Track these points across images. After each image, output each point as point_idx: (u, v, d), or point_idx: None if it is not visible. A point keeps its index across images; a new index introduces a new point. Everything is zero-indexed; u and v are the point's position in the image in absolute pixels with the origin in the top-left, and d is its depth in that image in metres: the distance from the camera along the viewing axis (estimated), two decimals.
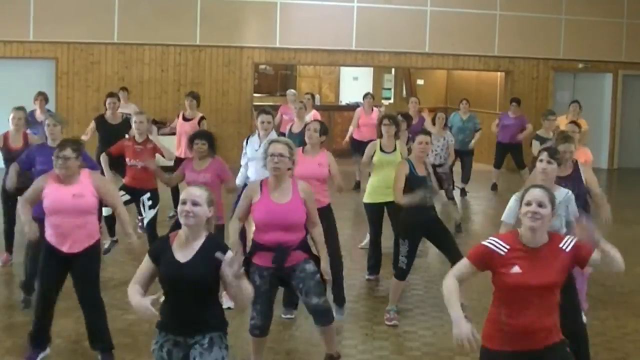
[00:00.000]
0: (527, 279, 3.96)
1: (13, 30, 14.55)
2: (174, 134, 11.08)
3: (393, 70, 19.74)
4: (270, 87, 19.92)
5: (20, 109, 8.29)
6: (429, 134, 7.18)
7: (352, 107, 16.42)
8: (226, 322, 4.22)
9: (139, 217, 9.67)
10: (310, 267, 5.40)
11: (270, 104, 16.76)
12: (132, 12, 15.00)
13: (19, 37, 14.64)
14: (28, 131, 8.30)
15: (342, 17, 15.95)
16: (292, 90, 14.16)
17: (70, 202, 5.59)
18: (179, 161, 10.53)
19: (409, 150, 7.86)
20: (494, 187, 14.03)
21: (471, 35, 16.46)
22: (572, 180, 6.29)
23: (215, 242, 4.15)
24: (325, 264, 5.49)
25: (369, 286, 8.09)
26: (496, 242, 4.06)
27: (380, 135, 8.11)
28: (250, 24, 15.65)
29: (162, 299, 4.17)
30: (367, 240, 9.38)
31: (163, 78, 15.41)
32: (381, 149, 7.99)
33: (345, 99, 19.92)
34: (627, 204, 13.25)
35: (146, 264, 4.18)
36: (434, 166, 8.05)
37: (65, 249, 5.65)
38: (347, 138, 13.40)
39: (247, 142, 8.02)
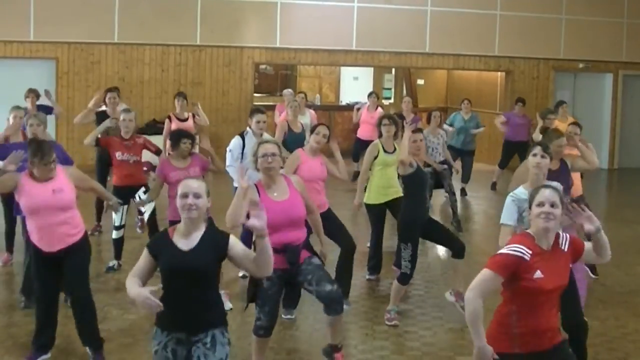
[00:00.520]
0: (546, 284, 3.96)
1: (13, 30, 14.55)
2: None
3: (393, 70, 19.74)
4: (270, 87, 19.93)
5: (19, 108, 8.31)
6: (421, 131, 7.17)
7: (352, 107, 16.42)
8: (225, 318, 4.23)
9: (138, 217, 9.67)
10: (316, 260, 5.49)
11: (271, 103, 16.78)
12: (133, 12, 15.00)
13: (20, 37, 14.64)
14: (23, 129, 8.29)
15: (343, 17, 15.94)
16: (289, 90, 14.17)
17: (51, 198, 5.55)
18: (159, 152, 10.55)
19: None
20: (494, 186, 14.01)
21: (471, 35, 16.46)
22: (560, 175, 6.36)
23: (216, 230, 4.18)
24: (324, 249, 5.73)
25: (369, 286, 8.09)
26: (521, 248, 3.98)
27: (380, 136, 8.11)
28: (250, 24, 15.65)
29: (161, 293, 4.13)
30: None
31: (163, 78, 15.41)
32: (384, 150, 7.99)
33: (346, 99, 19.93)
34: (627, 203, 13.26)
35: (145, 259, 4.17)
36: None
37: (51, 249, 5.63)
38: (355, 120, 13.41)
39: (243, 142, 7.95)
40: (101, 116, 10.46)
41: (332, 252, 6.65)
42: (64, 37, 14.80)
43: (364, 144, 12.56)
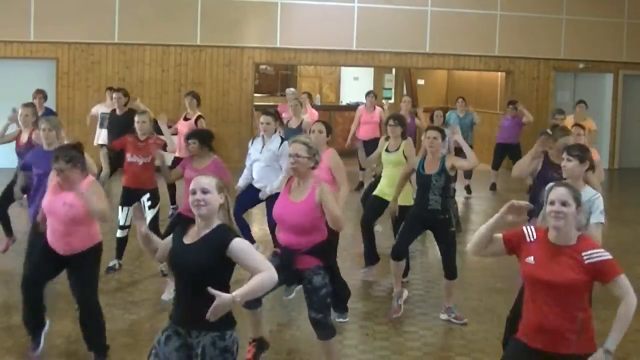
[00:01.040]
0: (534, 271, 3.98)
1: (14, 30, 14.56)
2: (175, 134, 11.06)
3: (394, 70, 19.74)
4: (270, 87, 19.94)
5: (29, 105, 8.36)
6: (436, 129, 7.11)
7: (352, 107, 16.44)
8: (228, 321, 4.06)
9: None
10: (318, 280, 5.31)
11: (271, 104, 16.80)
12: (133, 12, 15.01)
13: (20, 37, 14.65)
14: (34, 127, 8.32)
15: (343, 17, 15.95)
16: (292, 89, 14.15)
17: (61, 209, 5.58)
18: (177, 161, 10.57)
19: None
20: (493, 186, 14.04)
21: (472, 35, 16.47)
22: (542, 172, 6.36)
23: (223, 230, 4.05)
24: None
25: (369, 286, 8.09)
26: (531, 229, 4.13)
27: (387, 135, 8.12)
28: (250, 24, 15.65)
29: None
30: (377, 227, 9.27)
31: (164, 78, 15.41)
32: (386, 149, 7.99)
33: (346, 99, 19.94)
34: (627, 203, 13.26)
35: (168, 239, 4.25)
36: None
37: (58, 251, 5.66)
38: (349, 140, 13.42)
39: (252, 144, 8.07)
40: (111, 116, 10.51)
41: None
42: (64, 37, 14.81)
43: (364, 144, 12.54)
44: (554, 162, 6.41)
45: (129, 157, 8.24)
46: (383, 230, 9.49)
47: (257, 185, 7.91)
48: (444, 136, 7.06)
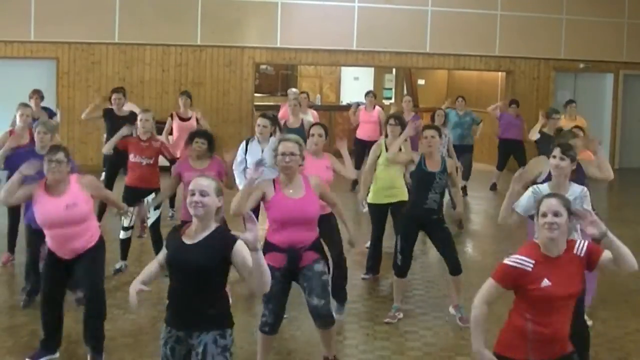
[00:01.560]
0: (556, 291, 3.94)
1: (14, 30, 14.56)
2: (170, 134, 11.03)
3: (394, 70, 19.74)
4: (271, 87, 19.95)
5: (26, 106, 8.35)
6: (434, 128, 7.11)
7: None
8: (229, 319, 4.13)
9: (141, 224, 9.67)
10: (319, 267, 5.38)
11: (271, 103, 16.80)
12: (133, 12, 15.00)
13: (20, 37, 14.64)
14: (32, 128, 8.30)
15: (343, 17, 15.94)
16: (294, 89, 14.18)
17: (64, 214, 5.53)
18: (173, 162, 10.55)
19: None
20: (494, 186, 14.00)
21: (472, 35, 16.46)
22: (575, 179, 6.26)
23: (224, 233, 4.08)
24: (350, 234, 5.92)
25: (370, 286, 8.09)
26: (521, 259, 4.00)
27: (386, 135, 8.07)
28: (251, 24, 15.65)
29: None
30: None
31: (164, 78, 15.41)
32: (386, 150, 7.95)
33: (346, 99, 19.93)
34: (627, 203, 13.27)
35: (162, 253, 4.23)
36: None
37: (65, 256, 5.66)
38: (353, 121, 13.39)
39: (246, 148, 7.94)
40: (109, 114, 10.50)
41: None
42: (65, 37, 14.80)
43: (364, 144, 12.57)
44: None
45: (132, 157, 8.23)
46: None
47: None
48: (440, 135, 7.08)
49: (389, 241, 8.15)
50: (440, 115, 11.39)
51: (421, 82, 20.33)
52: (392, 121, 7.96)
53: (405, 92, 19.72)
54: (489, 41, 16.69)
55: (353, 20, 16.02)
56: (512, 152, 13.96)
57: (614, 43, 17.28)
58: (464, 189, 13.30)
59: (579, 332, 5.25)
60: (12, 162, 7.20)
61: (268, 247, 5.37)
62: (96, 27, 14.87)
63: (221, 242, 4.02)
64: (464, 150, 13.05)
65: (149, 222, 8.17)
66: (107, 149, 8.61)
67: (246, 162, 7.85)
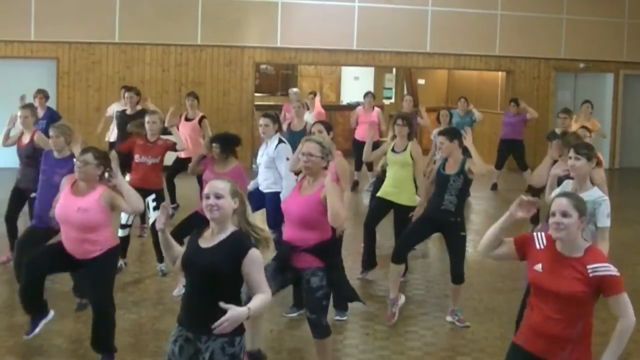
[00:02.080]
0: (541, 280, 3.97)
1: (14, 30, 14.57)
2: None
3: (394, 70, 19.74)
4: (271, 86, 19.94)
5: (27, 106, 8.35)
6: (443, 134, 7.08)
7: (353, 107, 16.42)
8: (238, 328, 3.98)
9: (141, 225, 9.68)
10: (316, 281, 5.31)
11: (272, 103, 16.80)
12: (133, 12, 15.01)
13: (20, 37, 14.65)
14: (35, 128, 8.29)
15: (343, 16, 15.95)
16: (295, 89, 14.16)
17: (74, 215, 5.56)
18: (180, 161, 10.56)
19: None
20: (494, 186, 14.02)
21: (472, 34, 16.47)
22: None
23: (240, 237, 4.07)
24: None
25: (370, 286, 8.09)
26: (540, 236, 4.09)
27: (393, 136, 8.07)
28: (251, 24, 15.66)
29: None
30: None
31: (164, 78, 15.41)
32: (392, 149, 7.94)
33: (347, 98, 19.94)
34: (628, 203, 13.26)
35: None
36: None
37: (75, 255, 5.67)
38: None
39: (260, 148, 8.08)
40: (122, 115, 10.51)
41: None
42: (65, 37, 14.81)
43: (362, 145, 12.54)
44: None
45: (137, 158, 8.23)
46: (383, 230, 9.48)
47: (260, 187, 7.86)
48: (452, 137, 6.98)
49: (388, 241, 8.15)
50: (444, 116, 11.41)
51: (421, 81, 20.34)
52: (399, 121, 7.90)
53: (405, 91, 19.72)
54: (489, 41, 16.70)
55: (353, 20, 16.03)
56: (510, 152, 14.00)
57: (614, 43, 17.28)
58: None
59: None
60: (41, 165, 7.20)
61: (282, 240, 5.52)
62: (96, 26, 14.87)
63: (235, 248, 4.00)
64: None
65: (150, 222, 8.17)
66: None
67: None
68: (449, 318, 7.00)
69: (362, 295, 7.79)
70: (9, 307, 7.07)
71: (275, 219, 7.23)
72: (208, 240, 4.10)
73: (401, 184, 7.75)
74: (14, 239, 8.32)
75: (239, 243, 4.03)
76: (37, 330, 5.93)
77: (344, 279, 6.95)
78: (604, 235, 5.51)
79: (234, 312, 3.74)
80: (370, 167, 12.61)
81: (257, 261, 4.00)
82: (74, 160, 5.72)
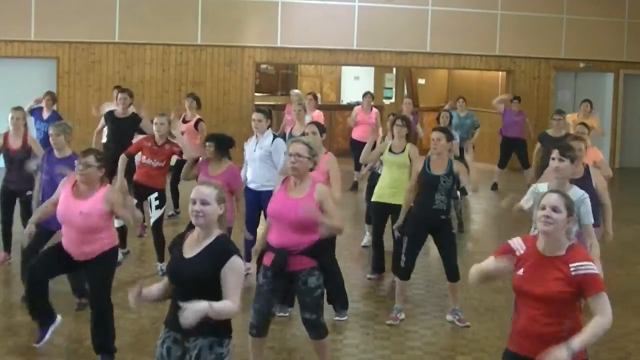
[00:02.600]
0: (523, 284, 3.96)
1: (14, 29, 14.55)
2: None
3: (394, 69, 19.73)
4: (271, 86, 19.92)
5: (19, 108, 8.26)
6: (441, 130, 7.05)
7: (353, 107, 16.42)
8: (227, 329, 4.09)
9: (141, 224, 9.67)
10: (312, 280, 5.30)
11: (272, 103, 16.79)
12: (133, 12, 14.99)
13: (20, 37, 14.63)
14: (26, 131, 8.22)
15: (344, 16, 15.94)
16: (296, 90, 14.15)
17: (77, 218, 5.56)
18: (180, 163, 10.53)
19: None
20: (495, 186, 14.00)
21: (472, 34, 16.45)
22: (584, 184, 6.15)
23: (224, 243, 4.08)
24: (327, 226, 5.27)
25: (370, 285, 8.09)
26: (518, 242, 4.08)
27: (392, 136, 8.05)
28: (251, 24, 15.65)
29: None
30: (366, 238, 9.37)
31: (164, 78, 15.40)
32: (390, 150, 7.93)
33: (347, 98, 19.92)
34: (628, 203, 13.25)
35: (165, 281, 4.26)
36: None
37: (73, 256, 5.67)
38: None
39: (246, 145, 7.99)
40: (110, 116, 10.47)
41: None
42: (65, 37, 14.79)
43: (359, 145, 12.55)
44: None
45: (143, 159, 8.24)
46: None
47: (251, 186, 7.80)
48: (449, 138, 6.97)
49: (389, 241, 8.15)
50: (445, 117, 11.41)
51: (421, 81, 20.32)
52: (399, 122, 7.86)
53: (405, 91, 19.72)
54: (490, 41, 16.69)
55: (353, 20, 16.02)
56: (513, 150, 13.98)
57: (615, 42, 17.27)
58: (463, 189, 13.28)
59: None
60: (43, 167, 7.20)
61: (267, 246, 5.38)
62: (96, 26, 14.86)
63: (218, 253, 4.01)
64: (462, 152, 13.04)
65: (151, 221, 8.16)
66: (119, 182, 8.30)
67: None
68: (449, 317, 7.01)
69: (363, 295, 7.81)
70: (8, 308, 7.07)
71: None
72: (192, 247, 4.09)
73: (398, 185, 7.70)
74: (9, 240, 8.33)
75: (223, 248, 4.04)
76: (47, 336, 5.95)
77: (338, 275, 6.98)
78: (590, 233, 5.53)
79: (191, 306, 3.80)
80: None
81: (237, 269, 4.00)
82: (75, 162, 5.69)
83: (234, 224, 6.90)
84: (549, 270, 3.94)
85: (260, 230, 5.46)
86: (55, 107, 11.20)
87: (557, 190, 4.23)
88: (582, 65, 17.28)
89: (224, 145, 7.37)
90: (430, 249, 9.34)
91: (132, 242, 8.61)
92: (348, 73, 20.37)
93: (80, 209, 5.55)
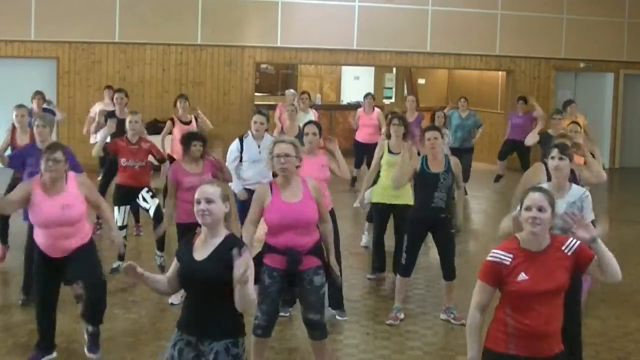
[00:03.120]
0: (533, 285, 3.92)
1: (14, 29, 14.55)
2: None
3: (394, 69, 19.74)
4: (271, 86, 19.93)
5: (22, 106, 8.33)
6: (437, 129, 7.10)
7: (353, 107, 16.44)
8: (241, 328, 4.10)
9: (136, 224, 9.67)
10: (318, 279, 5.31)
11: (272, 103, 16.79)
12: (133, 12, 15.00)
13: (21, 37, 14.64)
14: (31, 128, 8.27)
15: (344, 16, 15.94)
16: (291, 90, 14.13)
17: (60, 214, 5.50)
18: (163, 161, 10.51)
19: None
20: (497, 178, 13.74)
21: (472, 34, 16.46)
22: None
23: (233, 241, 4.07)
24: (333, 258, 5.46)
25: (370, 285, 8.09)
26: (498, 253, 4.02)
27: (388, 136, 8.04)
28: (251, 23, 15.65)
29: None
30: (365, 239, 9.37)
31: (164, 77, 15.40)
32: (389, 150, 7.92)
33: (347, 98, 19.93)
34: (628, 203, 13.27)
35: (173, 264, 4.21)
36: None
37: (55, 255, 5.64)
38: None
39: (241, 145, 7.89)
40: (111, 117, 10.46)
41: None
42: (65, 37, 14.80)
43: (363, 147, 12.57)
44: None
45: (124, 162, 8.20)
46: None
47: (254, 187, 7.76)
48: (442, 135, 7.06)
49: (390, 240, 8.16)
50: (440, 117, 11.39)
51: (421, 81, 20.33)
52: (395, 121, 7.90)
53: (405, 91, 19.73)
54: (490, 40, 16.69)
55: (353, 20, 16.02)
56: (516, 149, 13.92)
57: (615, 42, 17.28)
58: (464, 190, 13.25)
59: (569, 330, 5.20)
60: (16, 159, 7.24)
61: (267, 248, 5.34)
62: (96, 26, 14.86)
63: (229, 255, 3.98)
64: (464, 152, 13.02)
65: (151, 212, 8.09)
66: (96, 151, 8.53)
67: (241, 158, 7.83)
68: (443, 316, 7.01)
69: (363, 295, 7.81)
70: (7, 308, 7.07)
71: None
72: (201, 248, 4.08)
73: (400, 185, 7.72)
74: (6, 235, 8.35)
75: (232, 248, 4.00)
76: None
77: (338, 277, 6.99)
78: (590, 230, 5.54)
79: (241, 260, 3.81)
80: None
81: (249, 266, 3.98)
82: (43, 159, 5.51)
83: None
84: (548, 264, 3.95)
85: (250, 231, 5.40)
86: (47, 105, 11.16)
87: (538, 188, 4.22)
88: (582, 65, 17.28)
89: (206, 144, 7.39)
90: (431, 249, 9.33)
91: (130, 242, 8.61)
92: (348, 73, 20.38)
93: (61, 203, 5.51)
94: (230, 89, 15.76)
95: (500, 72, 17.73)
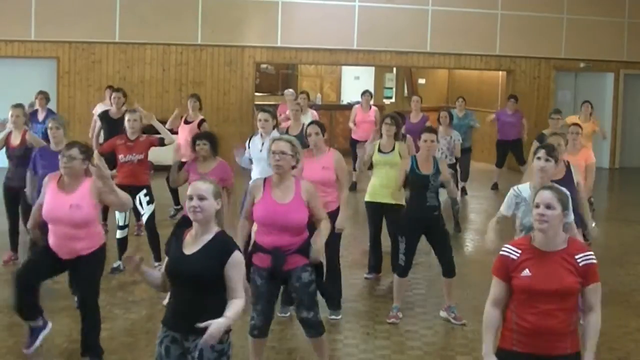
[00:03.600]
0: (534, 283, 3.92)
1: (14, 29, 14.56)
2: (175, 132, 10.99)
3: (394, 69, 19.74)
4: (271, 86, 19.92)
5: (19, 106, 8.29)
6: (434, 131, 7.15)
7: (353, 107, 16.42)
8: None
9: (137, 223, 9.67)
10: (306, 276, 5.30)
11: (272, 103, 16.77)
12: (134, 12, 15.00)
13: (21, 37, 14.64)
14: (26, 128, 8.23)
15: (344, 16, 15.94)
16: (290, 90, 14.13)
17: (67, 213, 5.51)
18: (181, 164, 10.52)
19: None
20: (495, 186, 13.98)
21: (473, 34, 16.45)
22: (564, 184, 6.22)
23: (224, 240, 4.10)
24: (318, 246, 5.31)
25: (370, 285, 8.09)
26: (509, 248, 4.06)
27: (380, 135, 8.06)
28: (251, 23, 15.65)
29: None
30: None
31: (164, 77, 15.40)
32: (379, 149, 7.94)
33: (347, 98, 19.92)
34: (628, 203, 13.27)
35: (166, 260, 4.25)
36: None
37: (62, 255, 5.64)
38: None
39: (249, 143, 7.95)
40: (105, 116, 10.47)
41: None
42: (65, 37, 14.80)
43: (361, 145, 12.53)
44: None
45: (122, 158, 8.20)
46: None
47: None
48: (437, 138, 7.13)
49: (387, 240, 8.16)
50: (444, 117, 11.41)
51: (422, 81, 20.33)
52: (387, 120, 7.94)
53: (405, 91, 19.72)
54: (490, 40, 16.69)
55: (354, 20, 16.02)
56: (509, 150, 14.00)
57: (615, 42, 17.27)
58: (463, 189, 13.29)
59: None
60: (35, 162, 7.22)
61: (255, 247, 5.35)
62: (97, 26, 14.87)
63: (219, 250, 4.03)
64: (462, 152, 13.03)
65: (144, 218, 8.14)
66: (97, 160, 8.45)
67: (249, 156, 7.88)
68: (443, 314, 7.01)
69: (362, 294, 7.82)
70: (8, 307, 7.05)
71: None
72: (191, 244, 4.11)
73: (391, 184, 7.69)
74: (17, 240, 8.34)
75: (224, 245, 4.06)
76: (37, 343, 5.91)
77: (339, 274, 7.02)
78: (573, 229, 5.56)
79: (214, 326, 3.82)
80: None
81: (238, 265, 4.06)
82: (60, 156, 5.60)
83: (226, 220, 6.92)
84: (556, 265, 3.94)
85: (245, 227, 5.42)
86: (49, 106, 11.17)
87: (550, 186, 4.22)
88: (582, 65, 17.28)
89: (216, 144, 7.36)
90: (431, 248, 9.35)
91: (131, 242, 8.60)
92: (348, 73, 20.37)
93: (70, 202, 5.51)
94: (230, 89, 15.76)
95: (500, 72, 17.73)
